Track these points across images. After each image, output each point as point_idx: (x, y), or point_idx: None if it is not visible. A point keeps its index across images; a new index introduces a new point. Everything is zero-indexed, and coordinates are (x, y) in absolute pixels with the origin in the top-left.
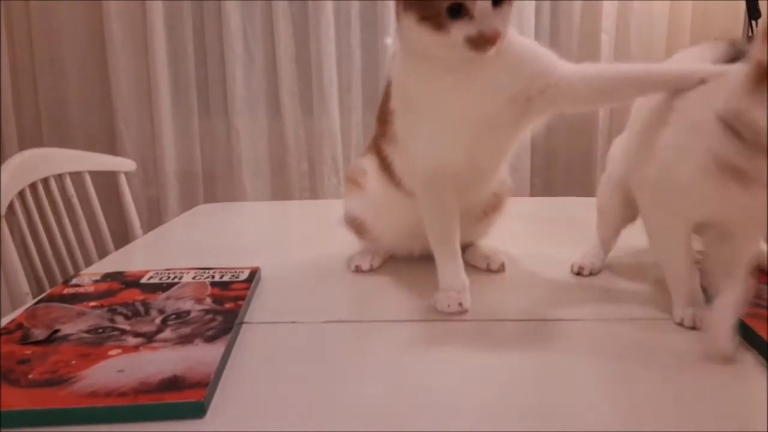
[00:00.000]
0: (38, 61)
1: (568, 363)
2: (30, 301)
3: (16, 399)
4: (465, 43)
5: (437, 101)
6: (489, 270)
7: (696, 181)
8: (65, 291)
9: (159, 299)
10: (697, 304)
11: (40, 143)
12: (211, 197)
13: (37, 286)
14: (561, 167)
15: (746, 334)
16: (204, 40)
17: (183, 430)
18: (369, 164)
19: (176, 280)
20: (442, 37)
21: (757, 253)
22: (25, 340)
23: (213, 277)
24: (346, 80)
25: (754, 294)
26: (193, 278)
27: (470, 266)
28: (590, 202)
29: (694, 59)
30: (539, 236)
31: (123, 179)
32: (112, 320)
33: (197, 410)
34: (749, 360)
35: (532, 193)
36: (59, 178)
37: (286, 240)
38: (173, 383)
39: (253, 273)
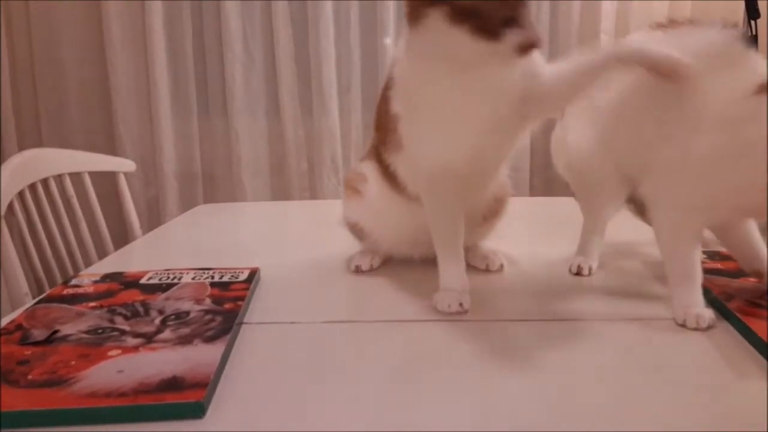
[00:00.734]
0: (38, 61)
1: (568, 363)
2: (29, 302)
3: (15, 399)
4: (515, 50)
5: (449, 102)
6: (488, 270)
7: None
8: (65, 291)
9: (158, 300)
10: (699, 304)
11: (39, 143)
12: (210, 197)
13: (36, 286)
14: None
15: (746, 334)
16: (203, 40)
17: (183, 430)
18: (369, 171)
19: (176, 280)
20: (492, 45)
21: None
22: (25, 341)
23: (212, 277)
24: (346, 81)
25: (754, 294)
26: (193, 279)
27: (470, 267)
28: None
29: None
30: (539, 236)
31: (122, 180)
32: (111, 321)
33: (197, 410)
34: (749, 360)
35: (532, 193)
36: (59, 178)
37: (285, 240)
38: (173, 383)
39: (253, 273)
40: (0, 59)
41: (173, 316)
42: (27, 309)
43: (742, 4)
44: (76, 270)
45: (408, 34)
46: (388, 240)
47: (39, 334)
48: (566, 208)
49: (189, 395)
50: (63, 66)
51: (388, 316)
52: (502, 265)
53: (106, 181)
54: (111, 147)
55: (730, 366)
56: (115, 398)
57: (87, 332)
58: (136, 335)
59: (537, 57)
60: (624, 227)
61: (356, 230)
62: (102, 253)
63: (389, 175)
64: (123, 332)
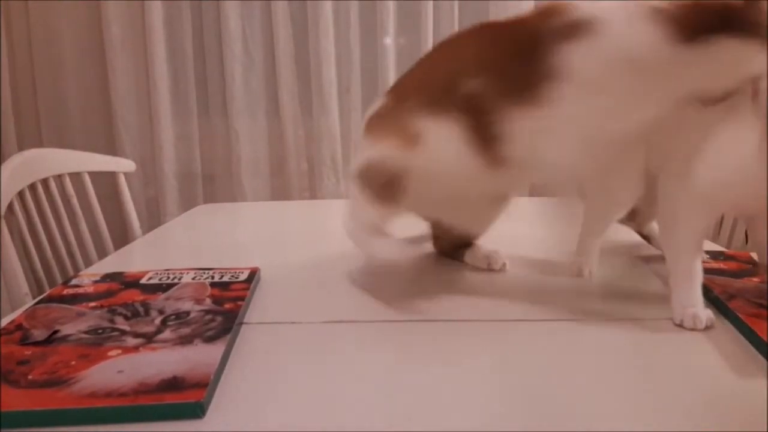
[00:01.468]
0: (37, 62)
1: (568, 363)
2: (29, 302)
3: (15, 399)
4: None
5: None
6: (490, 269)
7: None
8: (65, 291)
9: (159, 300)
10: (698, 304)
11: (39, 143)
12: (210, 198)
13: (36, 286)
14: None
15: (747, 334)
16: (203, 40)
17: (183, 430)
18: (432, 130)
19: (176, 280)
20: None
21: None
22: (25, 341)
23: (213, 277)
24: (346, 81)
25: (756, 294)
26: (193, 279)
27: (471, 266)
28: None
29: None
30: (539, 236)
31: (122, 180)
32: (111, 321)
33: (197, 411)
34: (750, 360)
35: (532, 193)
36: (58, 178)
37: (285, 240)
38: (173, 384)
39: (253, 273)
40: (0, 59)
41: (173, 316)
42: (27, 309)
43: None
44: (76, 270)
45: None
46: (434, 210)
47: (39, 334)
48: (566, 208)
49: (189, 395)
50: (63, 66)
51: (388, 316)
52: (504, 264)
53: (106, 181)
54: (111, 147)
55: (731, 366)
56: (115, 398)
57: (87, 332)
58: (136, 335)
59: None
60: (624, 227)
61: (388, 180)
62: (102, 253)
63: (488, 141)
64: (123, 332)
